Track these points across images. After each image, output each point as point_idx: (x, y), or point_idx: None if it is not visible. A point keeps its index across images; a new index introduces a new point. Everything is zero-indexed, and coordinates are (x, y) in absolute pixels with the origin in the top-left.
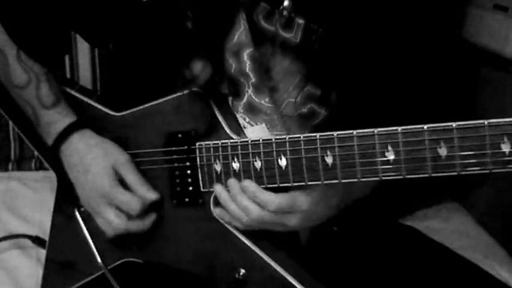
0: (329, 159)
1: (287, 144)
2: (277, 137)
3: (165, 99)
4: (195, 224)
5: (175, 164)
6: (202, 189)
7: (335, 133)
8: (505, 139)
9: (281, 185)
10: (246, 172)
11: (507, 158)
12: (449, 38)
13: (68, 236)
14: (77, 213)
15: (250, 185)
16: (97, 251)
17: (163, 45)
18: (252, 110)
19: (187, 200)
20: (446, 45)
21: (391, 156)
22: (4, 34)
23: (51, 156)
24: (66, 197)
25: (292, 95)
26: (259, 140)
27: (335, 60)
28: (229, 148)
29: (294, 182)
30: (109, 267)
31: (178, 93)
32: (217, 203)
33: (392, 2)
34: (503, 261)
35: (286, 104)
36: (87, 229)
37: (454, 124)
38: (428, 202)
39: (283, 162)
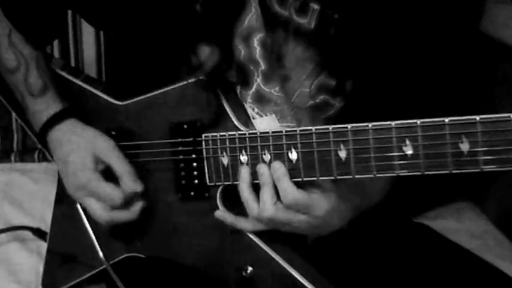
0: (342, 153)
1: (298, 136)
2: (288, 129)
3: (170, 88)
4: (200, 219)
5: (181, 156)
6: (208, 183)
7: (349, 126)
8: None
9: (291, 180)
10: (255, 165)
11: None
12: (467, 30)
13: (70, 228)
14: (78, 206)
15: (281, 168)
16: (99, 244)
17: (169, 28)
18: (261, 99)
19: (192, 193)
20: (464, 37)
21: (409, 151)
22: None
23: (42, 144)
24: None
25: (305, 85)
26: (268, 132)
27: (351, 48)
28: (237, 140)
29: (305, 177)
30: (111, 262)
31: (184, 82)
32: (224, 198)
33: None
34: None
35: (298, 94)
36: (89, 222)
37: (477, 117)
38: (441, 201)
39: (293, 155)
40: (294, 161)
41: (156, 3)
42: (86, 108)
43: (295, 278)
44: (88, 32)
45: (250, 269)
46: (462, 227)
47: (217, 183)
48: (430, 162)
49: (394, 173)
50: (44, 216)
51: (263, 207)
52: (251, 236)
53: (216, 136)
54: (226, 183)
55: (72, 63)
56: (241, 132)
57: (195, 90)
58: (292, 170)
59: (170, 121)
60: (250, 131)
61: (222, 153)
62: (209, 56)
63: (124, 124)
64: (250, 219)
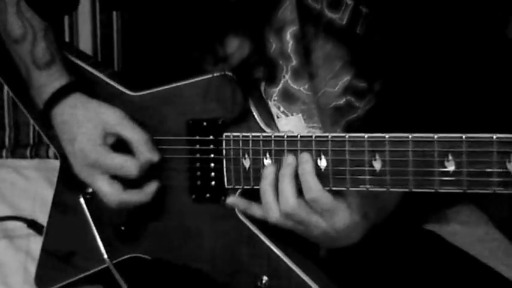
0: (377, 164)
1: (329, 143)
2: (318, 134)
3: (190, 81)
4: (214, 223)
5: (198, 155)
6: (226, 186)
7: (387, 135)
8: None
9: None
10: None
11: None
12: (495, 35)
13: (69, 224)
14: (82, 199)
15: (309, 160)
16: (102, 242)
17: (197, 15)
18: (289, 98)
19: (208, 195)
20: (492, 42)
21: (451, 167)
22: None
23: (44, 124)
24: (70, 180)
25: (331, 84)
26: (296, 136)
27: (381, 48)
28: (261, 143)
29: (334, 186)
30: (114, 262)
31: (206, 76)
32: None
33: None
34: None
35: (322, 93)
36: (92, 218)
37: None
38: (444, 204)
39: (323, 163)
40: (323, 169)
41: None
42: (95, 95)
43: None
44: (84, 16)
45: (266, 279)
46: (465, 230)
47: (236, 187)
48: (473, 180)
49: (433, 189)
50: (34, 214)
51: (284, 200)
52: (270, 244)
53: (238, 136)
54: (246, 187)
55: None
56: (267, 134)
57: (218, 85)
58: (320, 178)
59: (188, 117)
60: (276, 134)
61: (243, 155)
62: (237, 49)
63: (136, 116)
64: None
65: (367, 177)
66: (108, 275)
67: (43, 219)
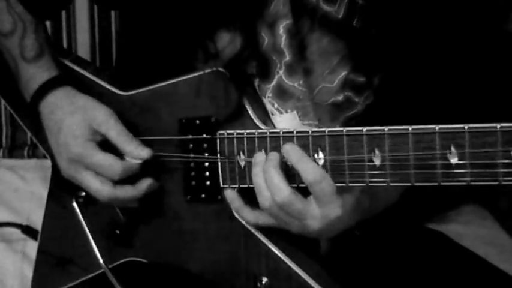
0: (377, 159)
1: (326, 138)
2: (315, 129)
3: (181, 78)
4: (210, 224)
5: (191, 155)
6: (222, 185)
7: (386, 128)
8: None
9: None
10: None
11: None
12: (494, 29)
13: (64, 228)
14: (74, 203)
15: (293, 148)
16: (97, 246)
17: (187, 10)
18: (282, 94)
19: (203, 196)
20: (491, 36)
21: (453, 159)
22: None
23: (32, 119)
24: (62, 183)
25: (328, 80)
26: (292, 132)
27: (379, 42)
28: (256, 140)
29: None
30: (110, 266)
31: (198, 73)
32: None
33: None
34: None
35: (319, 89)
36: (86, 221)
37: None
38: (450, 204)
39: (320, 159)
40: (320, 165)
41: None
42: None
43: None
44: (82, 16)
45: (265, 279)
46: (471, 231)
47: (232, 186)
48: (477, 172)
49: (436, 182)
50: (31, 215)
51: (276, 190)
52: (268, 244)
53: (232, 134)
54: (242, 186)
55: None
56: (262, 131)
57: (211, 82)
58: None
59: (180, 116)
60: (272, 130)
61: (238, 153)
62: (229, 44)
63: (127, 117)
64: (255, 212)
65: (367, 172)
66: (106, 279)
67: (40, 220)
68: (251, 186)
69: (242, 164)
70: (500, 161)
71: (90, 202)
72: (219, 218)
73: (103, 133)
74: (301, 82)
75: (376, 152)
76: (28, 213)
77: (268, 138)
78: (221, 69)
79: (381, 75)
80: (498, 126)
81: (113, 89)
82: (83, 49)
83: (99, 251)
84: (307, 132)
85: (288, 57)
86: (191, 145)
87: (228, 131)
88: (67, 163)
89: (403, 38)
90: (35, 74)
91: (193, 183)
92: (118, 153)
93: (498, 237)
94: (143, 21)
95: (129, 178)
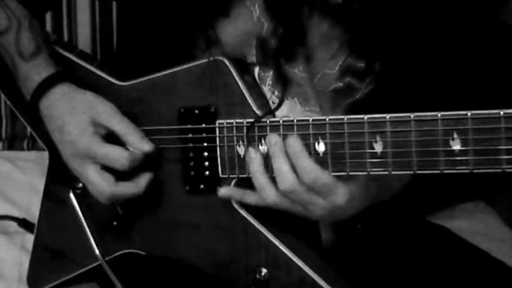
0: (378, 147)
1: (327, 126)
2: (315, 118)
3: (180, 68)
4: (210, 215)
5: (190, 145)
6: (221, 175)
7: (387, 115)
8: None
9: None
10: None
11: None
12: (488, 19)
13: (60, 220)
14: (71, 195)
15: (296, 143)
16: (94, 238)
17: None
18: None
19: (202, 186)
20: (486, 26)
21: (456, 146)
22: None
23: (32, 116)
24: (59, 175)
25: (329, 66)
26: (293, 121)
27: (379, 26)
28: (256, 129)
29: (334, 171)
30: (107, 258)
31: (197, 62)
32: None
33: None
34: None
35: (320, 76)
36: (83, 213)
37: None
38: (453, 200)
39: (321, 147)
40: (321, 154)
41: None
42: (83, 86)
43: (318, 285)
44: (82, 5)
45: (264, 271)
46: (475, 227)
47: (231, 176)
48: (480, 159)
49: (439, 169)
50: (30, 207)
51: (282, 179)
52: (268, 235)
53: (232, 123)
54: (241, 175)
55: (65, 37)
56: (261, 119)
57: (210, 71)
58: (319, 164)
59: (180, 105)
60: (271, 119)
61: (238, 142)
62: (229, 31)
63: (126, 107)
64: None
65: (368, 160)
66: (103, 272)
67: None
68: (250, 175)
69: (241, 152)
70: (504, 147)
71: (87, 194)
72: (218, 209)
73: (106, 125)
74: (300, 68)
75: (378, 138)
76: (27, 206)
77: (268, 127)
78: (220, 58)
79: (381, 60)
80: (501, 112)
81: (112, 79)
82: (84, 44)
83: (96, 243)
84: (308, 120)
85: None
86: (190, 134)
87: (228, 120)
88: (73, 159)
89: (403, 22)
90: (33, 72)
91: (192, 173)
92: (122, 146)
93: (502, 231)
94: (143, 11)
95: (126, 174)
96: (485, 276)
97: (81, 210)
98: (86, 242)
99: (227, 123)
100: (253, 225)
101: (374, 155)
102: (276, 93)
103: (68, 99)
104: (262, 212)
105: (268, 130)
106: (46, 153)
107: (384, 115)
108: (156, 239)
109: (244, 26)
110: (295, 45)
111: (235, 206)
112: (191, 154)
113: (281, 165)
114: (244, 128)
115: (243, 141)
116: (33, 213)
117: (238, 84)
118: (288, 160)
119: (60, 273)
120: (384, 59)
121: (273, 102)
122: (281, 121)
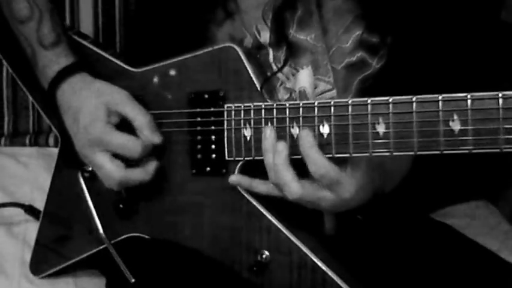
0: (380, 128)
1: (332, 109)
2: (320, 101)
3: (191, 55)
4: (214, 197)
5: (198, 128)
6: (227, 158)
7: (390, 98)
8: None
9: None
10: (281, 139)
11: None
12: (489, 19)
13: (68, 204)
14: (80, 177)
15: (308, 135)
16: (100, 222)
17: None
18: (296, 51)
19: (208, 169)
20: (486, 26)
21: (456, 126)
22: None
23: (48, 104)
24: (69, 158)
25: (342, 40)
26: (299, 104)
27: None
28: (263, 111)
29: (337, 153)
30: (112, 242)
31: (208, 49)
32: (243, 173)
33: None
34: None
35: (334, 50)
36: (91, 196)
37: None
38: (456, 198)
39: (325, 129)
40: (325, 135)
41: None
42: (97, 73)
43: (318, 267)
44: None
45: (266, 253)
46: (476, 223)
47: (237, 158)
48: (479, 139)
49: (439, 150)
50: (32, 202)
51: (287, 189)
52: (271, 217)
53: (240, 107)
54: (247, 158)
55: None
56: (269, 103)
57: (219, 57)
58: (323, 146)
59: (190, 90)
60: (278, 102)
61: (245, 125)
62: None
63: (139, 92)
64: (268, 182)
65: (371, 141)
66: (106, 257)
67: (41, 207)
68: (256, 158)
69: (248, 135)
70: (501, 127)
71: (94, 178)
72: (223, 191)
73: (120, 112)
74: (313, 36)
75: (380, 120)
76: (30, 201)
77: (274, 110)
78: (231, 45)
79: (393, 34)
80: (500, 94)
81: (126, 66)
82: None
83: (102, 225)
84: (313, 103)
85: (299, 11)
86: (199, 118)
87: (236, 104)
88: (85, 146)
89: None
90: (53, 61)
91: (199, 156)
92: (132, 132)
93: (504, 229)
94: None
95: (135, 160)
96: (486, 272)
97: (88, 192)
98: (91, 227)
99: (235, 106)
100: (257, 209)
101: (376, 135)
102: (293, 64)
103: (85, 87)
104: (266, 197)
105: (274, 112)
106: (49, 149)
107: (387, 98)
108: (160, 222)
109: None
110: (305, 11)
111: (240, 189)
112: (199, 137)
113: (284, 175)
114: (252, 111)
115: (250, 124)
116: (36, 207)
117: (247, 68)
118: (289, 166)
119: (63, 259)
120: (396, 33)
121: (288, 78)
122: (287, 104)
